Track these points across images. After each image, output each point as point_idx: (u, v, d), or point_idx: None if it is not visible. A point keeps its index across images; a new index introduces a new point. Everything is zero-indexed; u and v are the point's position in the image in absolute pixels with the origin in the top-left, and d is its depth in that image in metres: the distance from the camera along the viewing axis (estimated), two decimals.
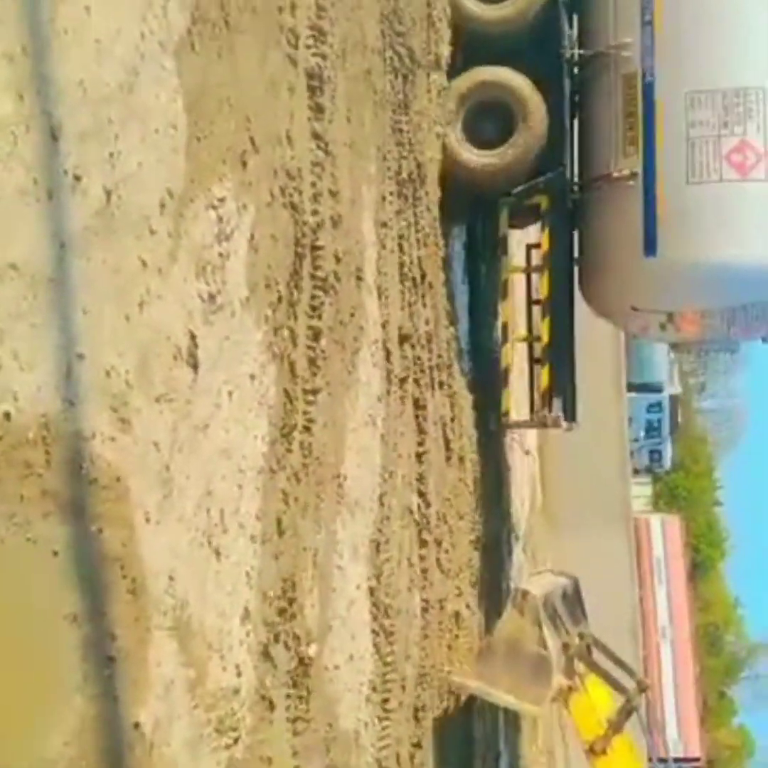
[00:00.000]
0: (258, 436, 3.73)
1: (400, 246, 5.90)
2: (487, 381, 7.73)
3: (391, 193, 5.76)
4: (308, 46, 4.43)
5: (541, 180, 6.83)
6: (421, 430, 6.00)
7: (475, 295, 8.11)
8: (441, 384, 6.53)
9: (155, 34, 3.09)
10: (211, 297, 3.31)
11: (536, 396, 7.55)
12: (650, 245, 6.64)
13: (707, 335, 7.49)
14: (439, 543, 6.26)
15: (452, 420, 6.81)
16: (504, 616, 6.36)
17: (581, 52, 6.99)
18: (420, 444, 5.98)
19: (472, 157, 6.75)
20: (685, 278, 6.77)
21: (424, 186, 6.45)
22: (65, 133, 2.52)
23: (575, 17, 7.15)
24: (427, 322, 6.27)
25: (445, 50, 6.81)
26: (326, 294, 4.49)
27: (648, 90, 6.61)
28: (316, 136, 4.55)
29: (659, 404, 24.83)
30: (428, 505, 6.02)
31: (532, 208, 7.15)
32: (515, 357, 7.87)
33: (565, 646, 6.29)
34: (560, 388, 7.30)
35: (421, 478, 5.95)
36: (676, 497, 29.92)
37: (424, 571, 5.89)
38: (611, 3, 6.89)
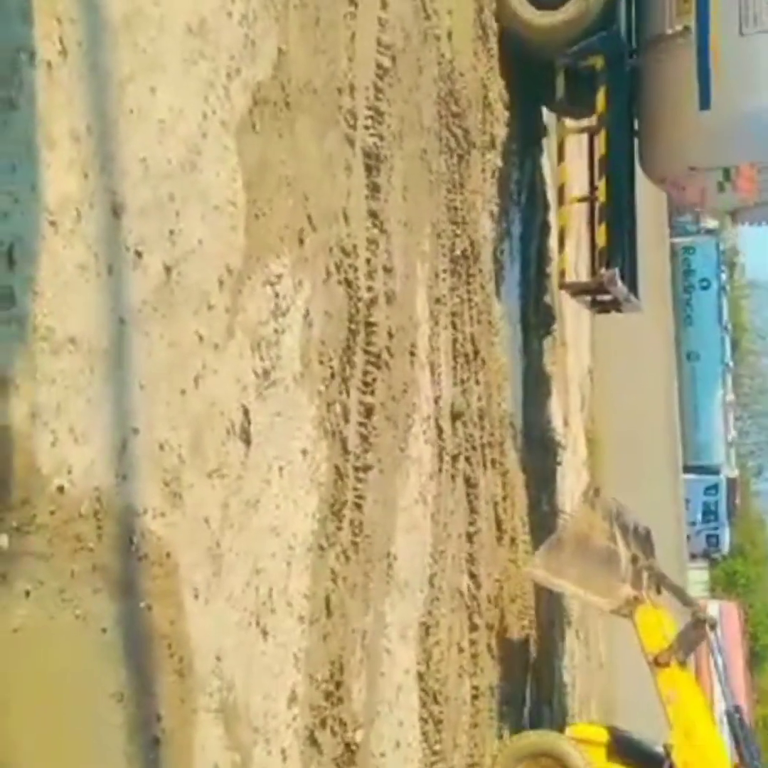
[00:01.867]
0: (308, 513, 3.68)
1: (453, 322, 5.90)
2: (539, 460, 7.63)
3: (444, 270, 5.77)
4: (366, 127, 4.50)
5: (595, 38, 6.87)
6: (472, 510, 5.91)
7: (528, 373, 8.06)
8: (493, 462, 6.45)
9: (217, 114, 3.15)
10: (266, 372, 3.31)
11: (596, 258, 7.36)
12: (705, 99, 6.67)
13: (765, 194, 7.25)
14: (490, 627, 6.11)
15: (504, 499, 6.71)
16: (574, 511, 6.30)
17: None
18: (471, 524, 5.88)
19: (535, 16, 6.91)
20: (740, 129, 6.77)
21: (478, 263, 6.46)
22: (127, 210, 2.56)
23: None
24: (479, 399, 6.23)
25: (501, 131, 6.89)
26: (379, 370, 4.48)
27: None
28: (372, 213, 4.59)
29: (716, 487, 24.30)
30: (479, 586, 5.90)
31: (589, 77, 7.06)
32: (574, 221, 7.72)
33: (634, 559, 6.17)
34: (618, 250, 7.23)
35: (471, 559, 5.84)
36: (734, 583, 29.07)
37: (474, 656, 5.74)
38: None
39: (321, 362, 3.83)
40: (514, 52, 7.01)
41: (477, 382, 6.24)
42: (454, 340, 5.85)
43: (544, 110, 8.29)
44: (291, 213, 3.65)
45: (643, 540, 6.53)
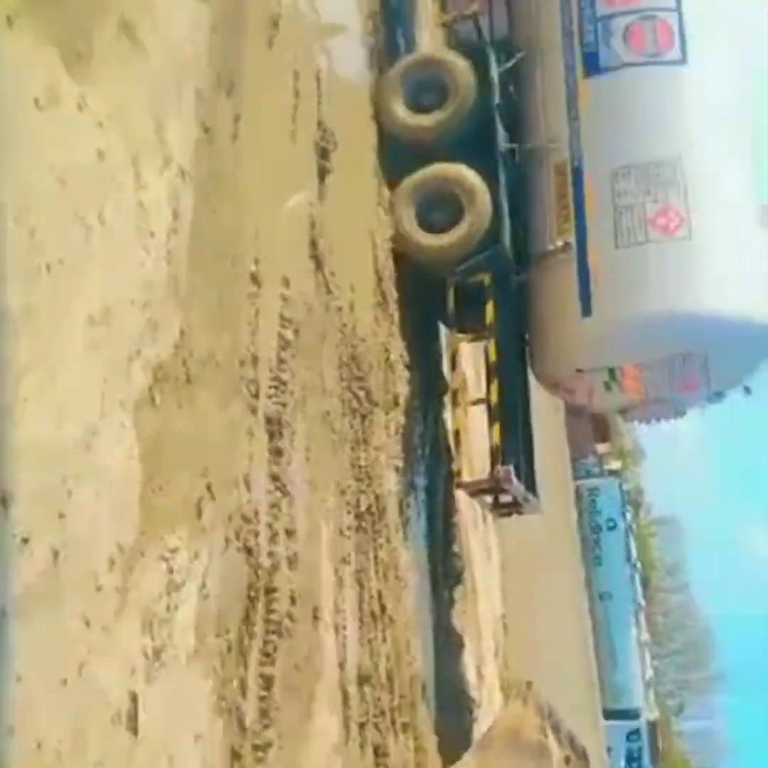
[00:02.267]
0: None
1: (359, 580, 5.85)
2: (453, 720, 7.38)
3: (349, 527, 5.79)
4: (269, 395, 4.63)
5: (482, 256, 7.31)
6: None
7: (439, 626, 7.94)
8: (404, 727, 6.21)
9: (116, 394, 3.22)
10: (157, 652, 3.20)
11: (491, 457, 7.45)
12: (586, 306, 7.25)
13: (650, 392, 7.57)
14: None
15: (417, 766, 6.41)
16: (505, 707, 5.80)
17: (517, 146, 7.70)
18: None
19: (426, 240, 7.34)
20: (621, 333, 7.32)
21: (384, 518, 6.51)
22: (16, 498, 2.54)
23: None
24: (387, 659, 6.08)
25: (403, 389, 7.16)
26: (280, 637, 4.37)
27: (577, 173, 7.40)
28: (274, 477, 4.64)
29: (638, 732, 23.75)
30: None
31: (478, 292, 7.42)
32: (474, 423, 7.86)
33: (567, 760, 5.85)
34: (513, 448, 7.48)
35: None
36: None
37: None
38: (541, 103, 7.73)
39: (217, 635, 3.73)
40: (409, 273, 7.39)
41: (385, 641, 6.11)
42: (360, 599, 5.78)
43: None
44: (189, 484, 3.67)
45: (580, 753, 6.27)
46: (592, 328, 7.32)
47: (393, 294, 7.18)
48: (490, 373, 7.56)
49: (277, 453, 4.68)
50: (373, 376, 6.45)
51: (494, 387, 7.51)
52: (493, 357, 7.52)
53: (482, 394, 7.90)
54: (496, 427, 7.43)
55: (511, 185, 7.57)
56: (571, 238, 7.32)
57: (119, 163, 3.21)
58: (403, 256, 7.32)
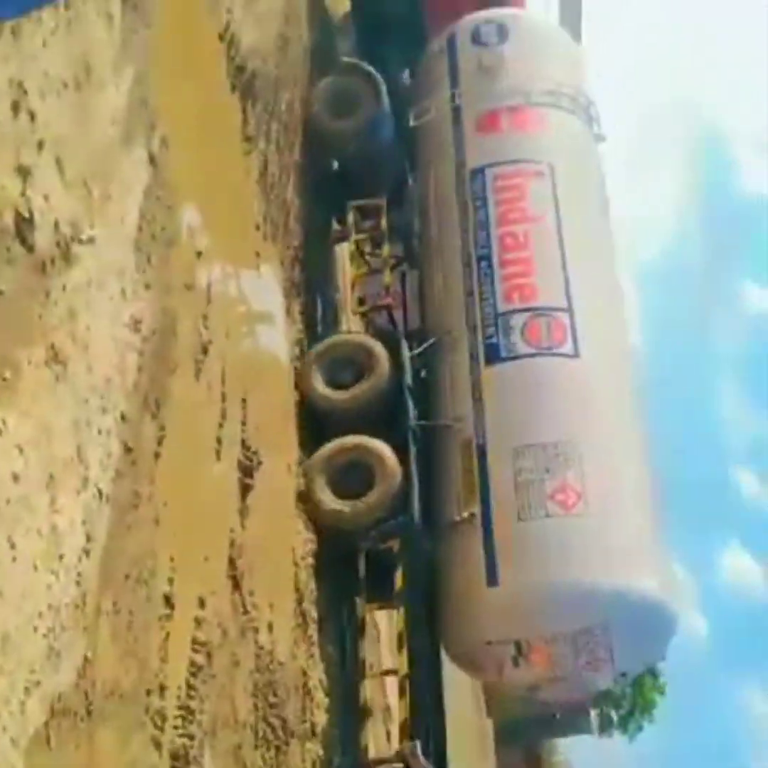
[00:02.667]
0: None
1: None
2: None
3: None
4: (175, 727, 4.33)
5: (392, 522, 7.58)
6: None
7: None
8: None
9: (8, 730, 2.97)
10: None
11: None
12: (492, 576, 7.39)
13: (557, 668, 7.51)
14: None
15: None
16: None
17: (425, 423, 8.22)
18: None
19: (339, 505, 7.59)
20: (525, 604, 7.41)
21: None
22: None
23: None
24: None
25: (321, 717, 6.78)
26: None
27: (481, 449, 7.81)
28: None
29: None
30: None
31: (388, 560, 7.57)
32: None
33: None
34: (421, 722, 7.16)
35: None
36: None
37: None
38: (448, 386, 8.32)
39: None
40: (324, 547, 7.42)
41: None
42: None
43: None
44: None
45: None
46: (498, 598, 7.44)
47: (313, 614, 7.00)
48: (400, 642, 7.51)
49: None
50: (290, 703, 6.12)
51: (402, 657, 7.43)
52: (400, 625, 7.52)
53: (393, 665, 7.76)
54: (404, 700, 7.27)
55: (420, 458, 7.96)
56: (476, 509, 7.62)
57: (35, 486, 3.18)
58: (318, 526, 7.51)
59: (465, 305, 8.44)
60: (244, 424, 6.09)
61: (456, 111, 9.56)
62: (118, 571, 3.90)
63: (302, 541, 7.22)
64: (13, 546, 3.01)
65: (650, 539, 7.78)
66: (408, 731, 7.10)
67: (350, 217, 9.67)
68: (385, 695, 8.44)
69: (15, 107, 3.51)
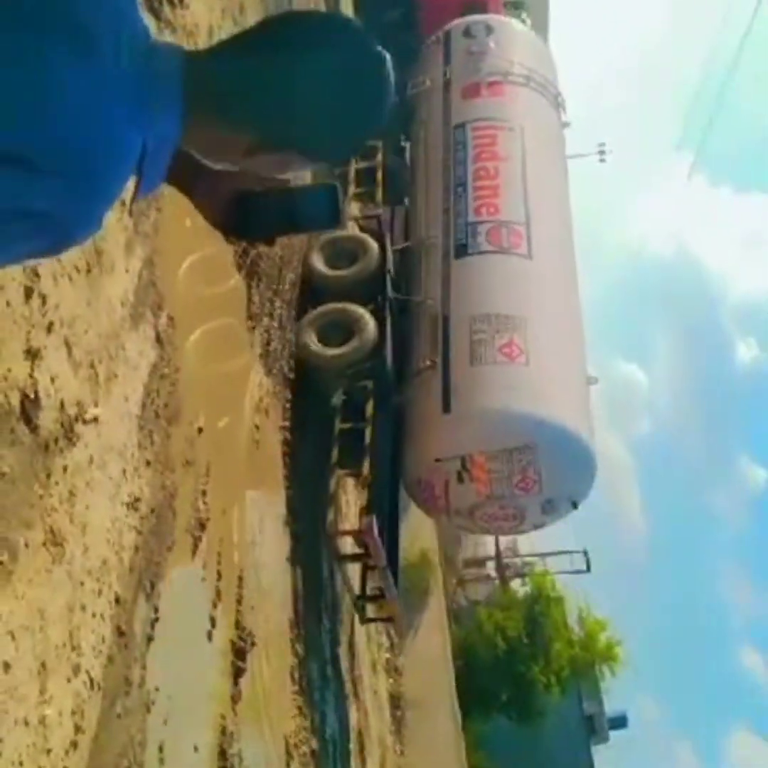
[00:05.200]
0: None
1: None
2: None
3: None
4: None
5: (366, 365, 9.18)
6: None
7: None
8: None
9: None
10: None
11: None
12: (446, 405, 9.18)
13: (494, 486, 9.12)
14: None
15: None
16: None
17: (401, 297, 10.20)
18: None
19: (324, 352, 9.17)
20: (469, 425, 9.16)
21: None
22: None
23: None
24: None
25: None
26: None
27: (445, 319, 9.69)
28: None
29: None
30: None
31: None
32: None
33: None
34: (378, 509, 8.46)
35: None
36: None
37: None
38: (424, 275, 10.26)
39: None
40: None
41: None
42: None
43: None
44: None
45: None
46: (448, 422, 9.21)
47: None
48: (366, 452, 8.80)
49: None
50: None
51: (367, 463, 8.72)
52: (368, 440, 8.86)
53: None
54: (366, 493, 8.66)
55: (395, 325, 9.75)
56: (438, 357, 9.45)
57: (26, 675, 3.06)
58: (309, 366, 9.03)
59: (442, 219, 10.52)
60: (239, 603, 5.95)
61: (446, 83, 12.00)
62: (105, 764, 3.71)
63: (296, 727, 6.92)
64: None
65: (578, 399, 9.83)
66: (367, 512, 8.34)
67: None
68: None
69: (28, 292, 3.60)
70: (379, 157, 11.56)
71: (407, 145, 12.49)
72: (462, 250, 10.16)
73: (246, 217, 1.62)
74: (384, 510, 8.92)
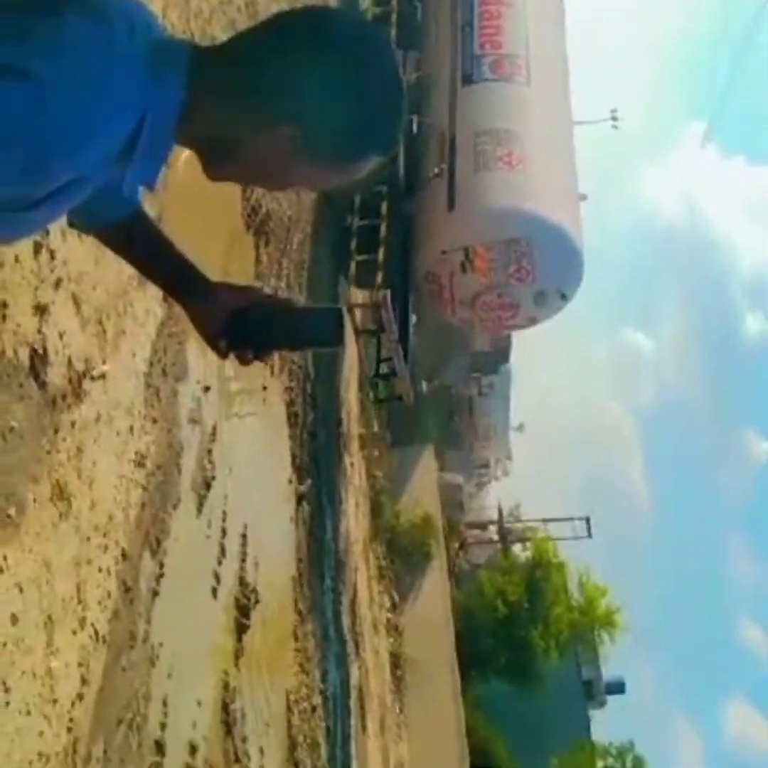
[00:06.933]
0: None
1: None
2: None
3: None
4: None
5: (382, 172, 9.69)
6: None
7: None
8: None
9: None
10: None
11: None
12: (452, 204, 10.46)
13: (494, 275, 10.33)
14: None
15: None
16: None
17: (415, 118, 11.20)
18: None
19: None
20: (472, 219, 10.41)
21: None
22: None
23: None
24: None
25: None
26: None
27: (452, 137, 10.91)
28: None
29: None
30: None
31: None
32: None
33: None
34: (395, 298, 9.67)
35: None
36: None
37: None
38: (433, 101, 11.80)
39: None
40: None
41: None
42: None
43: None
44: None
45: None
46: (453, 217, 10.45)
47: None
48: (379, 243, 10.01)
49: None
50: None
51: (381, 251, 9.99)
52: (383, 233, 10.17)
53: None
54: (380, 275, 9.83)
55: (408, 149, 10.72)
56: (445, 165, 10.59)
57: (32, 627, 3.10)
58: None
59: (451, 54, 12.06)
60: (243, 561, 6.00)
61: None
62: (110, 716, 3.77)
63: (297, 683, 7.01)
64: (7, 689, 2.92)
65: (569, 204, 11.02)
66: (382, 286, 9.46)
67: None
68: None
69: (36, 248, 3.60)
70: (393, 2, 13.10)
71: None
72: (468, 79, 11.61)
73: (245, 329, 1.61)
74: (397, 288, 9.98)
